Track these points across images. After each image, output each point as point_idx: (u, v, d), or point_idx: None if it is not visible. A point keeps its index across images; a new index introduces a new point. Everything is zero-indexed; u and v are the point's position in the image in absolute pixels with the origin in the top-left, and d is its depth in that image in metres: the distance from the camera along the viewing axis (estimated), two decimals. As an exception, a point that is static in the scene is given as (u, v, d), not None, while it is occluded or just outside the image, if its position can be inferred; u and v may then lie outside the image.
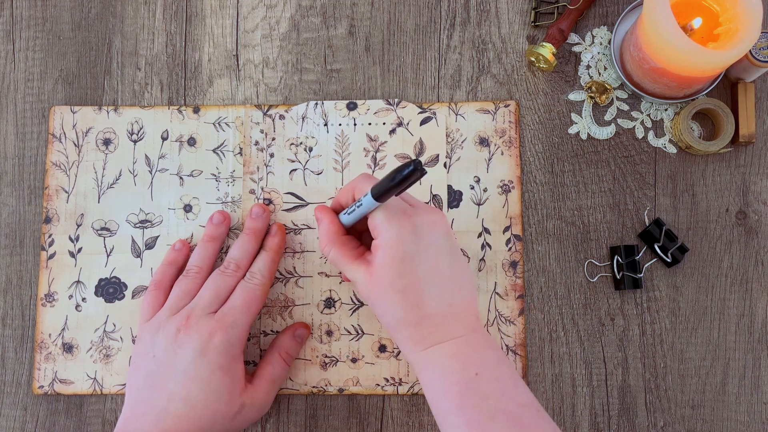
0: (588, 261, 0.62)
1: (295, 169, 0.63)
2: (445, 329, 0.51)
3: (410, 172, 0.48)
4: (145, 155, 0.64)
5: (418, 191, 0.62)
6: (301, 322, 0.61)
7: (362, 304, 0.62)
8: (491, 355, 0.51)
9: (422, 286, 0.51)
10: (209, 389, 0.54)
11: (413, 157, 0.63)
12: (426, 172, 0.48)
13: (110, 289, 0.62)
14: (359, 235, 0.58)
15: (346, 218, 0.55)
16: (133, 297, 0.62)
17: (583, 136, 0.63)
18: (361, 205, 0.53)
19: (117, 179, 0.64)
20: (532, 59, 0.62)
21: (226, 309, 0.56)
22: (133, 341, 0.61)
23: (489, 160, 0.63)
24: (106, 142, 0.64)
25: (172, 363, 0.54)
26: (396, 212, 0.52)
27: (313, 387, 0.61)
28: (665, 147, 0.63)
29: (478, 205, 0.62)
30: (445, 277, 0.51)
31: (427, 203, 0.60)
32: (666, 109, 0.63)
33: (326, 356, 0.61)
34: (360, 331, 0.61)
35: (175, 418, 0.53)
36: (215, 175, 0.63)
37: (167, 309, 0.57)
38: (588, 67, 0.64)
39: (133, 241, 0.63)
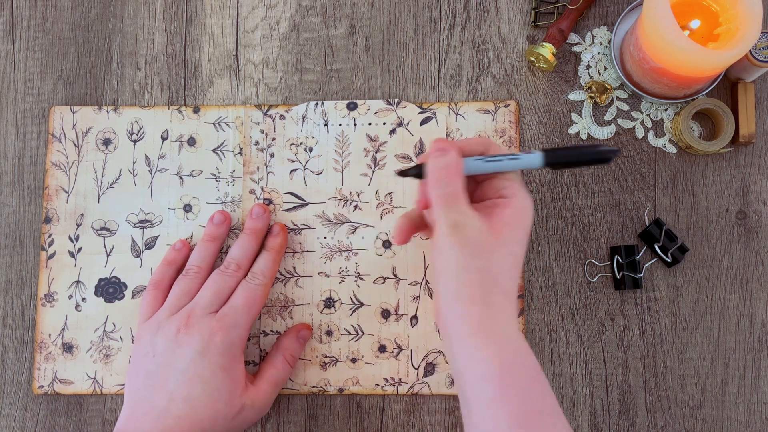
0: (588, 261, 0.62)
1: (295, 169, 0.63)
2: (514, 315, 0.48)
3: (608, 157, 0.48)
4: (145, 155, 0.64)
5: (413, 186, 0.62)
6: (304, 323, 0.61)
7: (362, 304, 0.62)
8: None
9: (519, 264, 0.49)
10: (210, 389, 0.54)
11: (413, 158, 0.63)
12: (611, 160, 0.49)
13: (110, 289, 0.62)
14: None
15: (479, 165, 0.51)
16: (133, 297, 0.62)
17: (583, 136, 0.63)
18: (520, 160, 0.50)
19: (117, 179, 0.64)
20: (532, 59, 0.62)
21: (227, 309, 0.56)
22: (133, 341, 0.61)
23: (489, 160, 0.63)
24: (106, 142, 0.64)
25: (172, 363, 0.54)
26: (523, 186, 0.50)
27: (313, 387, 0.61)
28: (665, 147, 0.63)
29: (478, 205, 0.62)
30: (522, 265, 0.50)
31: None
32: (666, 109, 0.63)
33: (326, 356, 0.61)
34: (360, 331, 0.61)
35: (175, 418, 0.53)
36: (215, 175, 0.63)
37: (167, 308, 0.57)
38: (588, 67, 0.64)
39: (132, 241, 0.63)
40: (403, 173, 0.53)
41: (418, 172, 0.52)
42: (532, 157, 0.50)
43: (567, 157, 0.50)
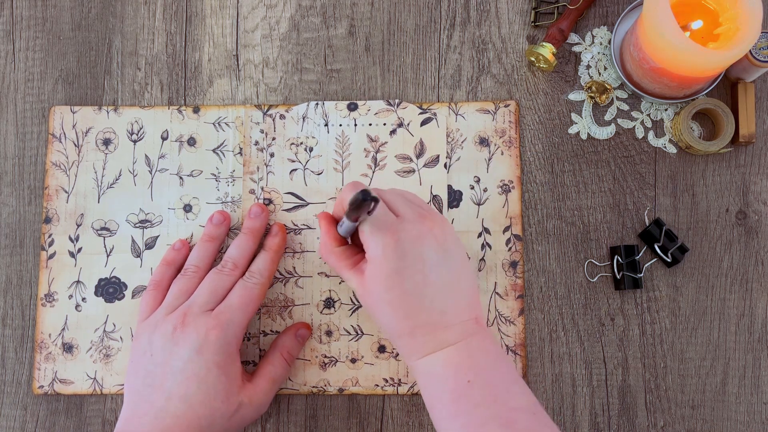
0: (588, 261, 0.62)
1: (295, 169, 0.63)
2: (438, 337, 0.51)
3: (360, 203, 0.48)
4: (145, 155, 0.64)
5: (418, 191, 0.62)
6: (303, 322, 0.61)
7: (361, 305, 0.62)
8: (486, 360, 0.51)
9: (410, 299, 0.51)
10: (206, 387, 0.54)
11: (413, 159, 0.63)
12: (378, 201, 0.48)
13: (110, 289, 0.62)
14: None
15: (341, 230, 0.55)
16: (133, 297, 0.62)
17: (583, 136, 0.63)
18: (343, 224, 0.53)
19: (117, 179, 0.64)
20: (532, 59, 0.62)
21: (223, 307, 0.56)
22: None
23: (489, 160, 0.63)
24: (106, 142, 0.64)
25: (169, 361, 0.54)
26: (381, 227, 0.51)
27: (313, 387, 0.61)
28: (665, 147, 0.63)
29: (478, 205, 0.62)
30: (436, 288, 0.51)
31: (428, 203, 0.61)
32: (666, 109, 0.63)
33: (326, 356, 0.61)
34: (359, 332, 0.61)
35: (174, 417, 0.53)
36: (215, 175, 0.63)
37: (164, 307, 0.57)
38: (588, 67, 0.64)
39: (133, 241, 0.63)
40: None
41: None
42: (347, 221, 0.52)
43: (347, 212, 0.50)
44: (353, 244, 0.57)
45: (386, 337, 0.54)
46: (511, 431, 0.48)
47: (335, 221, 0.57)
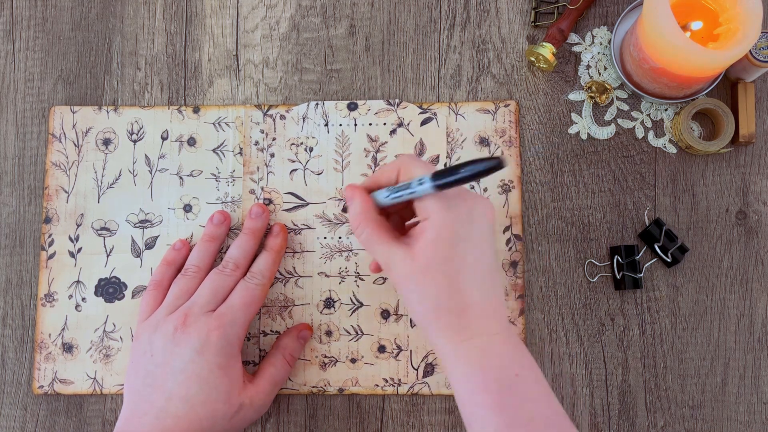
0: (588, 261, 0.62)
1: (295, 169, 0.63)
2: (485, 323, 0.48)
3: (491, 168, 0.45)
4: (145, 155, 0.64)
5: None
6: (305, 324, 0.61)
7: (362, 305, 0.62)
8: (528, 356, 0.49)
9: (467, 273, 0.48)
10: (208, 388, 0.54)
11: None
12: (504, 167, 0.46)
13: (110, 289, 0.62)
14: (388, 217, 0.55)
15: (388, 199, 0.52)
16: (133, 297, 0.62)
17: (583, 136, 0.63)
18: (414, 192, 0.50)
19: (117, 179, 0.64)
20: (532, 59, 0.62)
21: (224, 308, 0.56)
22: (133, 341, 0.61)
23: (489, 160, 0.63)
24: (106, 142, 0.64)
25: (170, 362, 0.54)
26: (450, 194, 0.49)
27: (313, 387, 0.61)
28: (665, 147, 0.63)
29: (478, 205, 0.62)
30: (487, 269, 0.49)
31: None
32: (666, 109, 0.63)
33: (326, 356, 0.61)
34: (359, 332, 0.61)
35: (174, 418, 0.53)
36: (215, 175, 0.63)
37: (165, 308, 0.57)
38: (588, 67, 0.64)
39: (132, 241, 0.63)
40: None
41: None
42: (425, 186, 0.49)
43: (449, 176, 0.47)
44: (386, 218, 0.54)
45: (422, 318, 0.49)
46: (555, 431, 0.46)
47: (368, 191, 0.54)
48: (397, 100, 0.64)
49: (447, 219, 0.48)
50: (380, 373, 0.61)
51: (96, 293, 0.62)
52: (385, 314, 0.61)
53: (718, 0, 0.57)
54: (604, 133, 0.63)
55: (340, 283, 0.62)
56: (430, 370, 0.61)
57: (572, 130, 0.63)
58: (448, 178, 0.47)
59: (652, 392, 0.60)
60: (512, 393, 0.47)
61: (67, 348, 0.62)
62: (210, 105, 0.64)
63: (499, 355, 0.48)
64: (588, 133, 0.63)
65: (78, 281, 0.63)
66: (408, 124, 0.63)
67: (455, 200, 0.49)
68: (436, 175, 0.48)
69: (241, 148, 0.63)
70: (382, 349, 0.61)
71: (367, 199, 0.53)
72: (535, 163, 0.63)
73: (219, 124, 0.64)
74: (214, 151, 0.64)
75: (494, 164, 0.45)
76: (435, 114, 0.63)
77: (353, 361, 0.61)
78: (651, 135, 0.63)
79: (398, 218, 0.55)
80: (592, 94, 0.63)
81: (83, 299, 0.62)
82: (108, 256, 0.63)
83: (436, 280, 0.48)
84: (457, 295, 0.48)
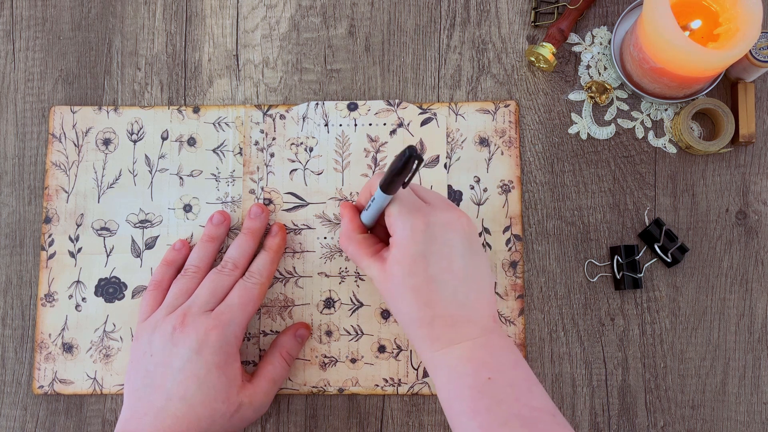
0: (588, 261, 0.62)
1: (295, 169, 0.63)
2: (458, 330, 0.50)
3: (407, 159, 0.47)
4: (145, 155, 0.64)
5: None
6: (302, 323, 0.61)
7: (362, 305, 0.62)
8: (507, 358, 0.50)
9: (434, 286, 0.50)
10: (206, 388, 0.54)
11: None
12: (422, 159, 0.47)
13: (110, 289, 0.62)
14: (384, 233, 0.57)
15: (365, 216, 0.55)
16: (133, 297, 0.62)
17: (583, 136, 0.63)
18: (374, 200, 0.53)
19: (117, 179, 0.64)
20: (532, 59, 0.62)
21: (222, 307, 0.56)
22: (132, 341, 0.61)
23: (489, 160, 0.63)
24: (106, 142, 0.64)
25: (168, 362, 0.54)
26: (410, 209, 0.52)
27: (313, 387, 0.61)
28: (665, 147, 0.63)
29: (478, 205, 0.62)
30: (458, 278, 0.51)
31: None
32: (666, 109, 0.63)
33: (325, 356, 0.61)
34: (359, 332, 0.61)
35: (174, 418, 0.53)
36: (215, 175, 0.63)
37: (164, 308, 0.57)
38: (588, 67, 0.64)
39: (133, 241, 0.63)
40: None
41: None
42: (378, 192, 0.51)
43: (385, 176, 0.49)
44: (373, 234, 0.57)
45: (404, 328, 0.53)
46: (533, 431, 0.47)
47: (358, 212, 0.57)
48: (397, 101, 0.64)
49: (405, 235, 0.51)
50: (380, 373, 0.61)
51: (96, 293, 0.62)
52: (385, 314, 0.61)
53: (718, 0, 0.57)
54: (604, 133, 0.63)
55: (340, 283, 0.62)
56: (430, 370, 0.61)
57: (572, 130, 0.63)
58: (385, 178, 0.49)
59: (652, 392, 0.60)
60: (484, 397, 0.48)
61: (67, 348, 0.62)
62: (210, 105, 0.64)
63: (473, 360, 0.50)
64: (588, 133, 0.63)
65: (78, 281, 0.63)
66: (408, 124, 0.63)
67: (414, 215, 0.51)
68: (381, 180, 0.50)
69: (241, 148, 0.63)
70: (382, 349, 0.61)
71: (353, 218, 0.56)
72: (535, 163, 0.63)
73: (219, 124, 0.64)
74: (214, 151, 0.64)
75: (408, 154, 0.47)
76: (435, 114, 0.63)
77: (353, 361, 0.61)
78: (651, 135, 0.63)
79: (383, 233, 0.57)
80: (592, 94, 0.63)
81: (83, 299, 0.62)
82: (108, 256, 0.63)
83: (405, 296, 0.51)
84: (426, 308, 0.50)
